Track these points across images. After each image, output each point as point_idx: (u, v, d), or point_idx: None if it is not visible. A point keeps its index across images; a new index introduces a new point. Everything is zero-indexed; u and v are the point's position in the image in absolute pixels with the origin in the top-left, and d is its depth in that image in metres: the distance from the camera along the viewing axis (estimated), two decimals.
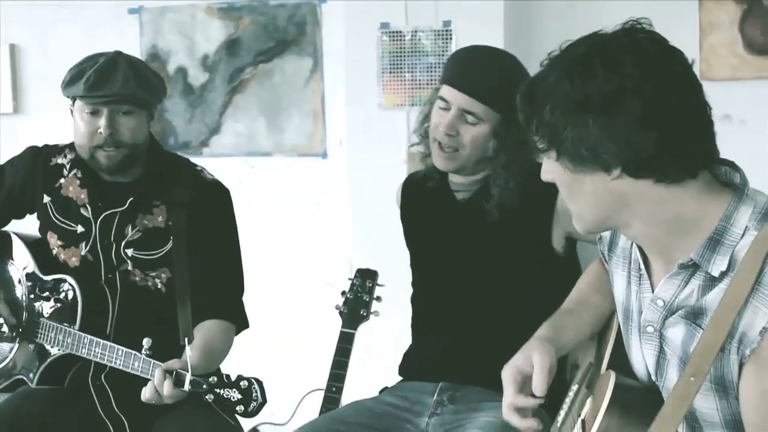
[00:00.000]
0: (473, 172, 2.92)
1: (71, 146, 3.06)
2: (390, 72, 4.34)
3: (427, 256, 3.07)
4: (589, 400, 2.08)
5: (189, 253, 2.93)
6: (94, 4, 5.12)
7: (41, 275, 3.02)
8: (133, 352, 2.75)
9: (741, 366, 1.82)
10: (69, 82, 2.93)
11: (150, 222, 2.97)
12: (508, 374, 2.18)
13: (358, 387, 3.18)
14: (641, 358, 2.05)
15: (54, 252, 3.04)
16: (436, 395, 2.86)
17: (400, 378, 3.03)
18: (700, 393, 1.86)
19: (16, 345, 3.04)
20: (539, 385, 2.11)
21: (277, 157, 4.91)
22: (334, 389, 3.08)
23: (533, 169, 2.87)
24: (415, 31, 4.29)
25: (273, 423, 4.78)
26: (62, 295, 2.95)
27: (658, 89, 1.80)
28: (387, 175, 4.33)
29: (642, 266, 2.03)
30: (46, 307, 2.99)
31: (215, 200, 3.07)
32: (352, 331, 3.16)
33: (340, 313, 3.19)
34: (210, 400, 2.60)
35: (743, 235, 1.84)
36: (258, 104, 4.88)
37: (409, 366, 3.03)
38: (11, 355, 3.06)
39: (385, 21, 4.33)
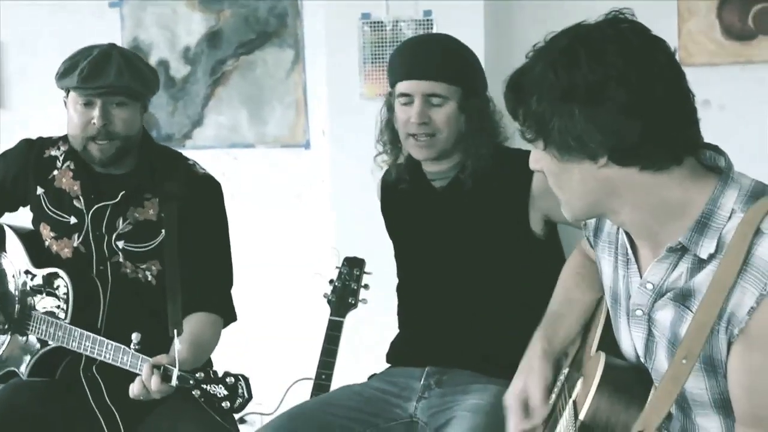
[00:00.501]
0: (450, 154, 2.96)
1: (65, 138, 3.09)
2: (372, 62, 4.36)
3: (409, 246, 3.11)
4: (579, 382, 2.12)
5: (180, 245, 2.95)
6: None
7: (34, 268, 3.04)
8: (122, 346, 2.78)
9: (729, 345, 1.85)
10: (63, 74, 2.96)
11: (141, 215, 3.00)
12: (511, 402, 2.28)
13: (347, 375, 3.22)
14: (630, 340, 2.08)
15: (47, 244, 3.06)
16: (423, 380, 2.91)
17: (388, 365, 3.06)
18: (691, 373, 1.89)
19: (8, 337, 3.06)
20: (538, 407, 2.24)
21: (260, 149, 4.91)
22: (323, 377, 3.12)
23: (506, 153, 2.94)
24: (396, 21, 4.31)
25: (260, 413, 4.81)
26: (54, 289, 2.97)
27: (642, 78, 1.82)
28: (369, 165, 4.36)
29: (629, 251, 2.06)
30: (39, 300, 3.01)
31: (206, 194, 3.10)
32: (340, 319, 3.20)
33: (329, 302, 3.23)
34: (196, 396, 2.64)
35: (730, 217, 1.87)
36: (240, 96, 4.89)
37: (397, 353, 3.07)
38: (2, 348, 3.08)
39: (366, 11, 4.35)
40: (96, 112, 2.93)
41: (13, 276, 3.09)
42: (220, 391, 2.64)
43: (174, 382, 2.64)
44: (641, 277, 2.02)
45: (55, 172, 3.08)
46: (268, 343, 4.82)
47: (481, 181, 2.91)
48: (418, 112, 2.88)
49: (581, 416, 2.01)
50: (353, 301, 3.22)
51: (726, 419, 1.94)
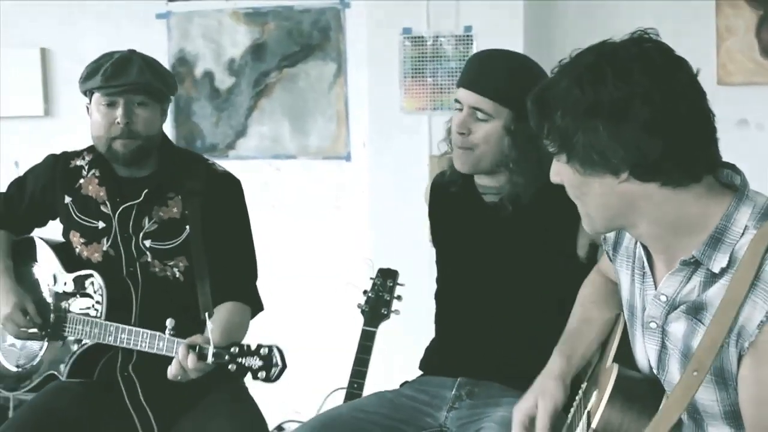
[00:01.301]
0: (492, 172, 2.96)
1: (89, 149, 3.20)
2: (412, 76, 4.42)
3: (452, 255, 3.12)
4: (594, 393, 2.16)
5: (204, 239, 3.04)
6: (122, 9, 5.23)
7: (66, 273, 3.14)
8: (158, 333, 2.87)
9: (740, 358, 1.89)
10: (86, 77, 3.07)
11: (165, 213, 3.09)
12: (516, 417, 2.34)
13: (379, 384, 3.26)
14: (644, 352, 2.12)
15: (77, 251, 3.15)
16: (455, 390, 2.92)
17: (421, 373, 3.10)
18: (702, 385, 1.92)
19: (45, 344, 3.15)
20: (541, 430, 2.28)
21: (302, 160, 5.00)
22: (355, 385, 3.16)
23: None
24: (437, 36, 4.37)
25: (298, 421, 4.87)
26: (87, 290, 3.07)
27: (666, 97, 1.86)
28: (408, 178, 4.42)
29: (646, 264, 2.09)
30: (73, 304, 3.09)
31: (227, 190, 3.18)
32: (373, 329, 3.22)
33: (362, 312, 3.26)
34: (233, 370, 2.70)
35: (743, 233, 1.90)
36: (283, 108, 4.98)
37: (430, 361, 3.09)
38: (41, 354, 3.17)
39: (408, 26, 4.41)
40: (119, 111, 3.01)
41: (47, 283, 3.18)
42: (255, 362, 2.69)
43: (210, 359, 2.71)
44: (656, 289, 2.06)
45: (81, 181, 3.17)
46: (306, 351, 4.87)
47: (532, 202, 2.92)
48: (459, 122, 2.90)
49: (593, 425, 2.05)
50: (386, 312, 3.25)
51: (736, 431, 1.97)
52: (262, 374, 2.69)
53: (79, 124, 5.15)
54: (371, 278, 3.32)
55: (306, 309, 4.95)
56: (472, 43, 4.30)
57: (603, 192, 1.95)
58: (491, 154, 2.90)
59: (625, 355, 2.22)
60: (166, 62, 5.08)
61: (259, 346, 2.71)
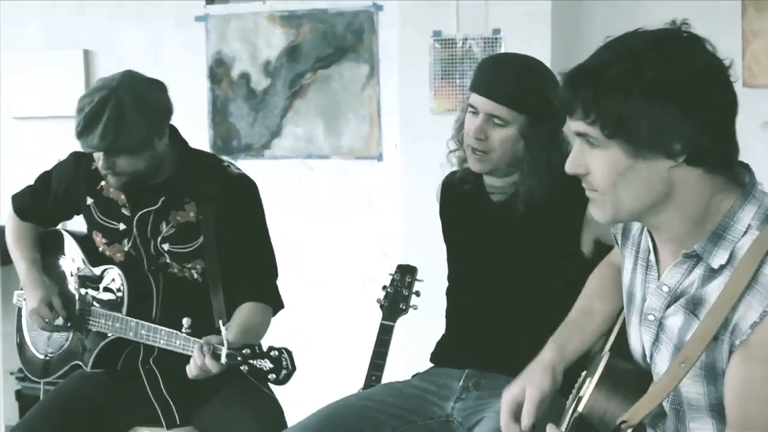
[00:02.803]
0: (506, 173, 3.03)
1: None
2: (442, 78, 4.49)
3: (462, 253, 3.19)
4: (587, 380, 2.22)
5: (219, 243, 3.11)
6: (162, 11, 5.35)
7: (91, 268, 3.23)
8: (174, 331, 2.95)
9: (730, 354, 1.92)
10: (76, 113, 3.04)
11: (182, 218, 3.15)
12: (504, 402, 2.36)
13: (396, 377, 3.33)
14: (638, 340, 2.15)
15: (100, 249, 3.24)
16: (462, 381, 2.98)
17: (431, 365, 3.17)
18: (690, 379, 1.97)
19: (71, 334, 3.26)
20: (525, 417, 2.29)
21: (335, 160, 5.07)
22: (373, 378, 3.23)
23: (564, 176, 3.00)
24: (466, 39, 4.43)
25: None
26: (111, 285, 3.16)
27: (725, 81, 1.91)
28: (438, 178, 4.48)
29: (652, 255, 2.11)
30: (97, 297, 3.19)
31: (242, 192, 3.23)
32: (391, 323, 3.29)
33: (381, 307, 3.32)
34: (245, 371, 2.79)
35: (745, 232, 1.93)
36: (317, 109, 5.06)
37: (440, 353, 3.16)
38: (67, 344, 3.29)
39: (438, 29, 4.48)
40: (100, 162, 3.05)
41: (72, 275, 3.28)
42: (266, 364, 2.79)
43: (223, 359, 2.80)
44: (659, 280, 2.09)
45: (103, 183, 3.22)
46: (330, 348, 4.94)
47: (537, 201, 2.99)
48: (477, 128, 2.95)
49: (579, 408, 2.10)
50: (404, 307, 3.31)
51: (718, 424, 2.01)
52: (272, 376, 2.80)
53: None
54: (390, 274, 3.39)
55: (337, 307, 5.02)
56: (500, 45, 4.36)
57: (650, 177, 1.93)
58: (506, 158, 2.97)
59: (624, 342, 2.25)
60: (204, 64, 5.21)
61: (270, 348, 2.80)
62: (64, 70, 5.54)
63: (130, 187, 3.12)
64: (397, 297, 3.33)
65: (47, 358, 3.33)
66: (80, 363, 3.21)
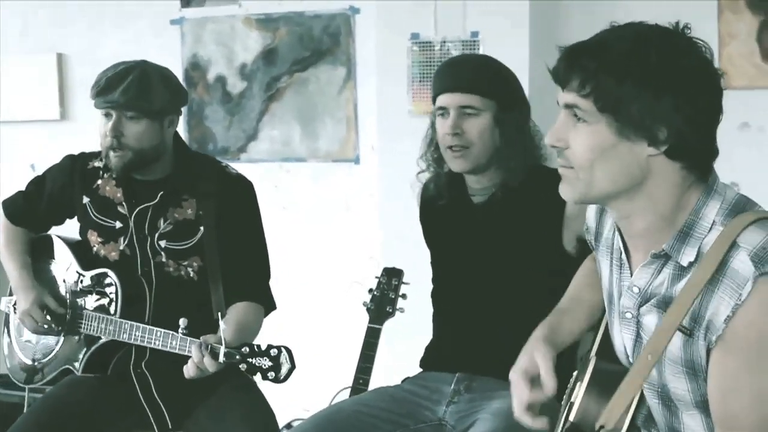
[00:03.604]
0: (487, 168, 3.05)
1: None
2: (420, 81, 4.49)
3: (446, 256, 3.21)
4: (578, 385, 2.23)
5: (218, 239, 3.12)
6: (137, 15, 5.32)
7: (83, 271, 3.22)
8: (171, 332, 2.95)
9: (708, 351, 1.95)
10: (91, 87, 3.12)
11: (180, 215, 3.16)
12: (517, 377, 2.31)
13: (383, 381, 3.33)
14: (621, 340, 2.17)
15: (94, 249, 3.23)
16: (453, 385, 3.00)
17: (421, 369, 3.17)
18: (673, 375, 2.00)
19: (62, 338, 3.24)
20: (549, 380, 2.23)
21: (312, 163, 5.07)
22: (361, 381, 3.23)
23: (543, 171, 3.03)
24: (444, 42, 4.44)
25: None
26: (104, 288, 3.15)
27: (717, 81, 1.93)
28: (416, 180, 4.48)
29: (623, 255, 2.13)
30: (89, 300, 3.18)
31: (240, 192, 3.25)
32: (378, 326, 3.30)
33: (368, 310, 3.33)
34: (243, 370, 2.79)
35: (710, 229, 1.96)
36: (293, 112, 5.05)
37: (430, 358, 3.17)
38: (57, 348, 3.26)
39: (416, 32, 4.48)
40: (110, 124, 3.08)
41: (64, 280, 3.27)
42: (265, 363, 2.79)
43: (221, 358, 2.80)
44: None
45: (99, 182, 3.24)
46: (316, 351, 4.93)
47: (518, 199, 3.01)
48: (452, 124, 2.98)
49: (571, 417, 2.12)
50: (391, 310, 3.32)
51: (707, 419, 2.02)
52: (271, 374, 2.79)
53: (94, 128, 5.25)
54: (376, 277, 3.39)
55: (315, 309, 5.02)
56: (479, 48, 4.36)
57: (629, 160, 1.94)
58: (485, 150, 3.00)
59: (610, 344, 2.26)
60: (179, 67, 5.18)
61: (269, 347, 2.80)
62: (37, 74, 5.50)
63: (130, 170, 3.13)
64: (384, 300, 3.34)
65: (35, 363, 3.31)
66: (71, 367, 3.19)
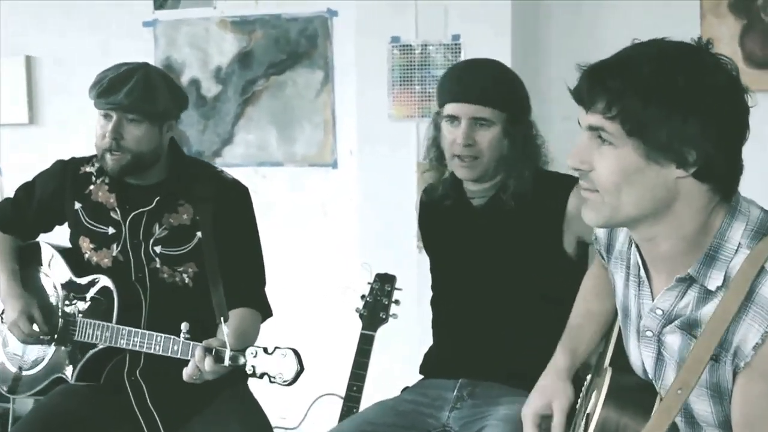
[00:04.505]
0: (492, 176, 3.04)
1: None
2: (400, 84, 4.46)
3: (446, 261, 3.18)
4: (593, 395, 2.20)
5: (216, 243, 3.06)
6: (108, 17, 5.24)
7: (75, 278, 3.15)
8: (172, 336, 2.87)
9: (735, 376, 1.92)
10: (91, 87, 3.07)
11: (175, 220, 3.11)
12: (528, 419, 2.33)
13: (377, 387, 3.30)
14: (638, 356, 2.14)
15: (86, 256, 3.17)
16: (456, 391, 2.98)
17: (421, 377, 3.14)
18: (697, 397, 1.97)
19: (53, 348, 3.16)
20: (559, 430, 2.26)
21: (289, 167, 5.02)
22: (354, 388, 3.19)
23: (543, 175, 3.03)
24: (425, 45, 4.41)
25: (284, 427, 4.88)
26: (98, 294, 3.09)
27: (744, 101, 1.89)
28: (396, 185, 4.46)
29: (642, 272, 2.09)
30: (83, 307, 3.11)
31: (236, 197, 3.22)
32: (371, 333, 3.26)
33: (360, 316, 3.30)
34: (250, 373, 2.72)
35: (736, 251, 1.92)
36: (270, 115, 5.00)
37: (430, 364, 3.14)
38: (48, 358, 3.18)
39: (396, 35, 4.45)
40: (110, 126, 3.03)
41: (54, 287, 3.20)
42: (273, 365, 2.71)
43: (227, 361, 2.73)
44: (653, 300, 2.07)
45: (91, 187, 3.19)
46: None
47: (519, 202, 3.00)
48: (464, 135, 2.96)
49: (590, 429, 2.08)
50: (384, 316, 3.29)
51: None
52: (279, 377, 2.71)
53: (63, 132, 5.20)
54: (369, 283, 3.36)
55: (292, 315, 4.96)
56: (460, 52, 4.34)
57: (656, 183, 1.90)
58: (494, 160, 2.99)
59: (623, 352, 2.24)
60: None
61: (276, 349, 2.73)
62: (5, 77, 5.40)
63: (126, 173, 3.08)
64: (377, 306, 3.30)
65: (23, 372, 3.23)
66: (63, 376, 3.11)
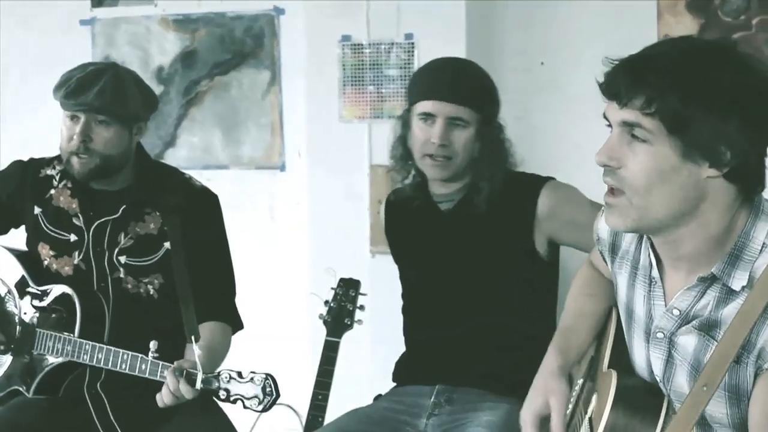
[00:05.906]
0: (461, 177, 3.00)
1: (59, 158, 3.06)
2: (352, 84, 4.35)
3: (416, 268, 3.15)
4: (594, 398, 2.15)
5: (186, 255, 2.94)
6: (44, 15, 5.05)
7: (34, 286, 3.01)
8: (140, 355, 2.75)
9: (756, 377, 1.88)
10: (56, 87, 2.97)
11: (142, 229, 3.00)
12: (528, 420, 2.27)
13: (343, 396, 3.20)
14: (644, 358, 2.10)
15: (46, 263, 3.04)
16: (433, 397, 2.94)
17: (394, 384, 3.07)
18: (713, 399, 1.90)
19: (10, 358, 3.02)
20: (559, 428, 2.20)
21: (234, 170, 4.88)
22: (320, 397, 3.11)
23: (512, 176, 2.98)
24: (377, 44, 4.31)
25: None
26: (58, 304, 2.95)
27: None
28: (348, 187, 4.36)
29: (656, 273, 2.05)
30: (42, 317, 2.97)
31: (206, 206, 3.13)
32: (336, 339, 3.19)
33: (324, 322, 3.23)
34: (223, 398, 2.61)
35: (761, 251, 1.89)
36: (214, 117, 4.86)
37: (404, 372, 3.11)
38: (5, 369, 3.04)
39: (347, 34, 4.34)
40: (78, 128, 2.92)
41: (10, 293, 3.06)
42: (247, 391, 2.59)
43: (198, 385, 2.61)
44: (665, 301, 2.03)
45: (52, 191, 3.07)
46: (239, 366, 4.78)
47: (488, 204, 2.96)
48: (440, 134, 2.92)
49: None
50: (349, 322, 3.22)
51: None
52: (253, 403, 2.60)
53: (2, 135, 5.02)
54: (332, 288, 3.27)
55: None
56: (413, 51, 4.25)
57: (688, 182, 1.86)
58: (465, 161, 2.96)
59: (620, 353, 2.21)
60: None
61: (251, 374, 2.61)
62: None
63: (93, 177, 2.97)
64: (342, 312, 3.22)
65: None
66: (20, 389, 2.96)
